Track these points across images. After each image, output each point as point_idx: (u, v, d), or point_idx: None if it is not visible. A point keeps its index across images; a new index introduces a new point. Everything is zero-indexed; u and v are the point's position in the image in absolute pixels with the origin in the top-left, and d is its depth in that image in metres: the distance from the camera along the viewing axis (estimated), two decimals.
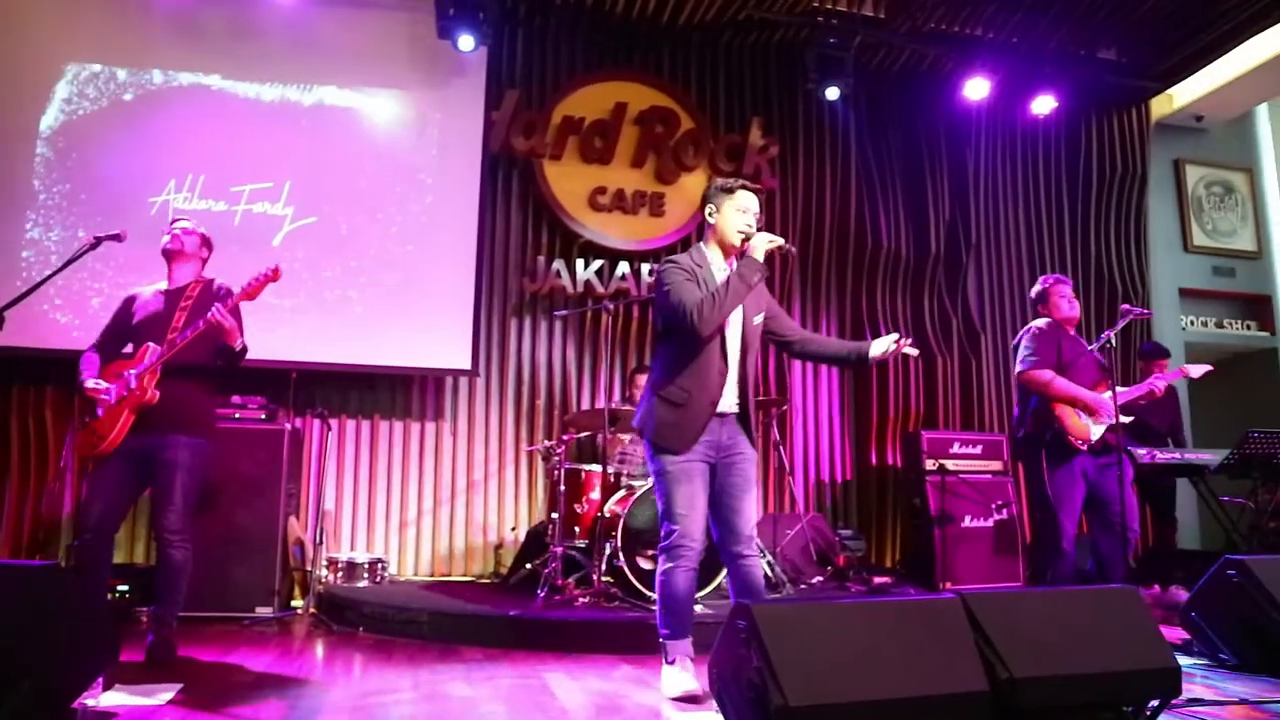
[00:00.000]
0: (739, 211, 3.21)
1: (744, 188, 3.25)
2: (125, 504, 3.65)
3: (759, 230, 3.21)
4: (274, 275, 3.65)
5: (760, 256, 3.12)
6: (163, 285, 3.80)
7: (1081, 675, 2.41)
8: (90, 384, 3.56)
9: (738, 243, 3.19)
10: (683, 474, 3.07)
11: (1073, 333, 4.36)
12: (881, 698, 2.18)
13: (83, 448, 3.60)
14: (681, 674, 3.02)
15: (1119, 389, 4.20)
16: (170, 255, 3.80)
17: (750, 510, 3.14)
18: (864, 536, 6.40)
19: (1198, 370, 4.61)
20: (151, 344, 3.59)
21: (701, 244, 3.29)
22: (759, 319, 3.27)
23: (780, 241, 3.17)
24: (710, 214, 3.25)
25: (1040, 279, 4.50)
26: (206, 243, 3.89)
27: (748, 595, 3.03)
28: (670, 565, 3.04)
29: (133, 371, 3.55)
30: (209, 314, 3.53)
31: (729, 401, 3.16)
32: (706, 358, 3.11)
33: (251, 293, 3.66)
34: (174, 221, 3.90)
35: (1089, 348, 4.34)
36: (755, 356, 3.33)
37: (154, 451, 3.56)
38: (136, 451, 3.54)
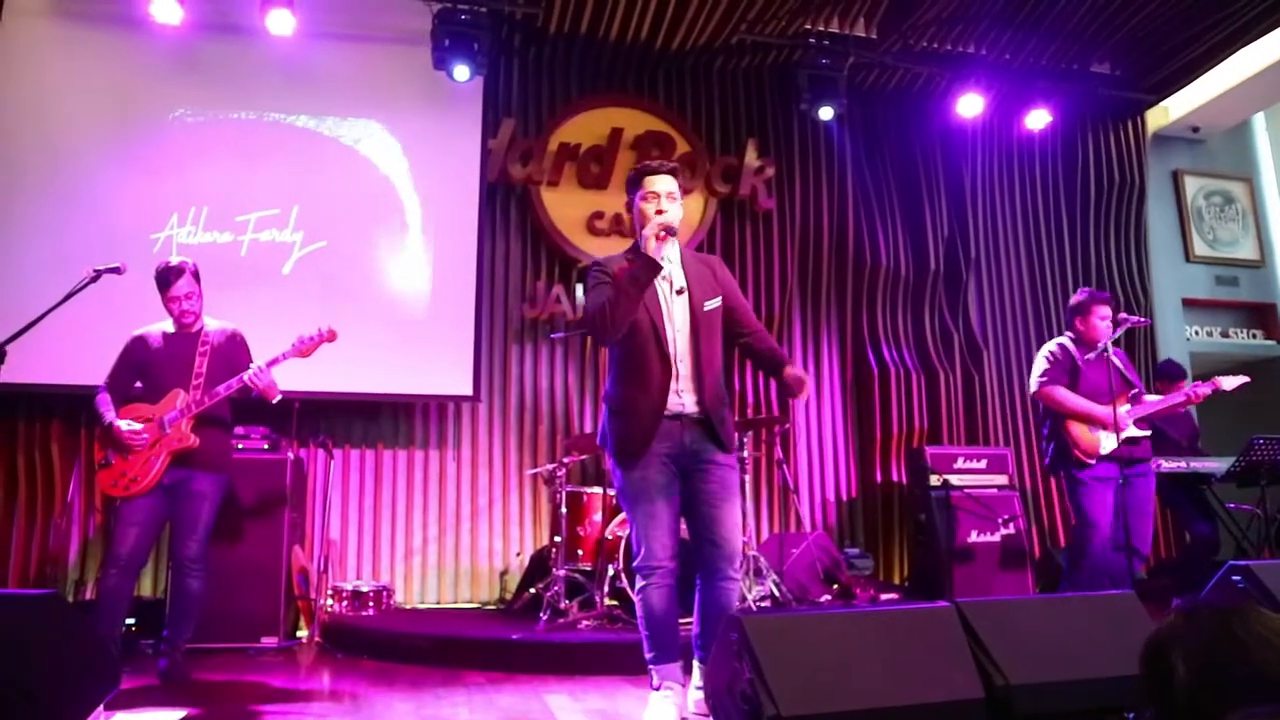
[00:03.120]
0: (644, 200, 2.95)
1: (650, 172, 2.97)
2: (155, 537, 3.79)
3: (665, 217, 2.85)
4: (330, 336, 3.78)
5: (651, 249, 2.76)
6: (168, 326, 3.86)
7: (1079, 681, 2.40)
8: (125, 427, 3.64)
9: (649, 234, 2.78)
10: (639, 491, 2.87)
11: (1100, 345, 4.28)
12: (875, 706, 2.18)
13: (111, 487, 3.70)
14: (663, 702, 2.82)
15: (1150, 398, 4.32)
16: (190, 324, 3.85)
17: (731, 521, 2.88)
18: (871, 554, 6.36)
19: (1231, 382, 4.38)
20: (181, 390, 3.70)
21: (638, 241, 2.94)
22: (712, 304, 2.98)
23: (659, 222, 2.81)
24: (629, 208, 3.06)
25: (1080, 290, 4.53)
26: (198, 278, 3.87)
27: (713, 620, 2.77)
28: (643, 585, 2.87)
29: (167, 416, 3.67)
30: (250, 375, 3.64)
31: (686, 403, 2.91)
32: (644, 360, 2.88)
33: (305, 352, 3.77)
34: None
35: (1086, 356, 4.35)
36: (715, 349, 2.99)
37: (182, 485, 3.71)
38: (166, 487, 3.69)
